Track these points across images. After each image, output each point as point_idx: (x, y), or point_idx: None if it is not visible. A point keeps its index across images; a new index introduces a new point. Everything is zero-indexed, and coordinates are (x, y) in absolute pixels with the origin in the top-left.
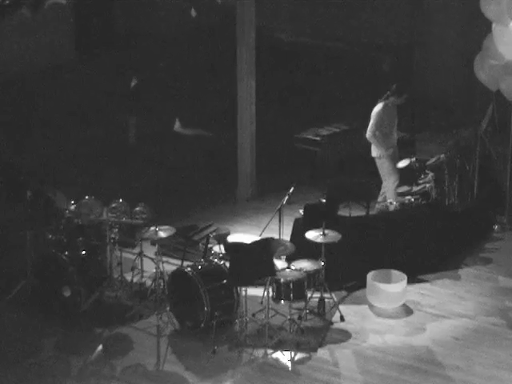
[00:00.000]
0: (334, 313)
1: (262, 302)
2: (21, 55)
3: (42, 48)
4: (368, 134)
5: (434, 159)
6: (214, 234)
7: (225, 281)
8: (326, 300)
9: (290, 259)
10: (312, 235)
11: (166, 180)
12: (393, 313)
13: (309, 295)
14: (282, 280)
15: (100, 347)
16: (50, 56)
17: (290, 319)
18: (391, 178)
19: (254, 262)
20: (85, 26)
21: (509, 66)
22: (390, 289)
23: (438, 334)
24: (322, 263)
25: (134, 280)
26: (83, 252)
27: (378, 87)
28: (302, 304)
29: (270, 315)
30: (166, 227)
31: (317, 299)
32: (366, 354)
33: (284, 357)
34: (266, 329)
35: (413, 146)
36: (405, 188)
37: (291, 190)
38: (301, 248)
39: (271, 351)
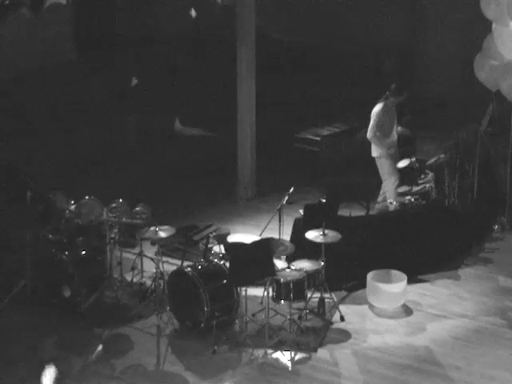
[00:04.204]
0: (334, 313)
1: (261, 302)
2: (21, 55)
3: (41, 48)
4: (369, 135)
5: (434, 159)
6: (214, 233)
7: (225, 281)
8: (326, 300)
9: (290, 259)
10: (312, 235)
11: (166, 180)
12: (393, 313)
13: (309, 295)
14: (282, 280)
15: (100, 347)
16: (50, 56)
17: (290, 319)
18: (391, 178)
19: (254, 262)
20: (85, 25)
21: (509, 66)
22: (390, 289)
23: (437, 334)
24: (322, 263)
25: (134, 280)
26: (83, 252)
27: (379, 87)
28: (302, 304)
29: (269, 315)
30: (166, 227)
31: (317, 299)
32: (366, 354)
33: (284, 357)
34: (266, 329)
35: (413, 143)
36: (405, 188)
37: (291, 190)
38: (301, 248)
39: (271, 351)
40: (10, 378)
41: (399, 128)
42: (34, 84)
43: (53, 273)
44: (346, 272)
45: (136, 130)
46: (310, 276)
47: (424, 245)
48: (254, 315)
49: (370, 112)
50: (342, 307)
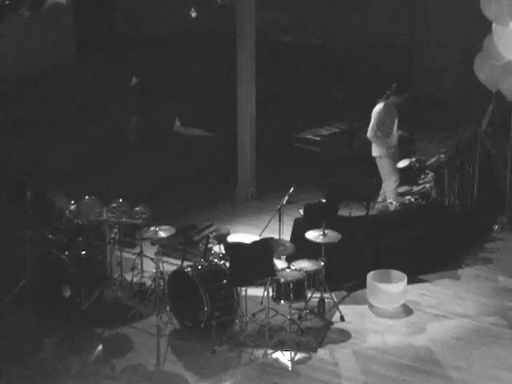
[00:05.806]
0: (334, 313)
1: (261, 302)
2: (21, 55)
3: (42, 48)
4: (369, 134)
5: (434, 159)
6: (214, 234)
7: (225, 281)
8: (325, 300)
9: (290, 259)
10: (312, 235)
11: (166, 180)
12: (393, 313)
13: (309, 295)
14: (281, 280)
15: (100, 347)
16: (51, 56)
17: (289, 319)
18: (391, 178)
19: (253, 262)
20: (85, 26)
21: (509, 65)
22: (390, 289)
23: (438, 334)
24: (322, 263)
25: (134, 280)
26: (83, 252)
27: (379, 87)
28: (302, 304)
29: (270, 315)
30: (166, 227)
31: (317, 299)
32: (366, 353)
33: (284, 357)
34: (266, 329)
35: (413, 145)
36: (405, 188)
37: (291, 190)
38: (301, 248)
39: (271, 351)
40: (11, 377)
41: (399, 132)
42: (34, 84)
43: (53, 273)
44: (346, 272)
45: (136, 130)
46: (310, 276)
47: (424, 245)
48: (254, 315)
49: (370, 112)
50: (341, 307)
